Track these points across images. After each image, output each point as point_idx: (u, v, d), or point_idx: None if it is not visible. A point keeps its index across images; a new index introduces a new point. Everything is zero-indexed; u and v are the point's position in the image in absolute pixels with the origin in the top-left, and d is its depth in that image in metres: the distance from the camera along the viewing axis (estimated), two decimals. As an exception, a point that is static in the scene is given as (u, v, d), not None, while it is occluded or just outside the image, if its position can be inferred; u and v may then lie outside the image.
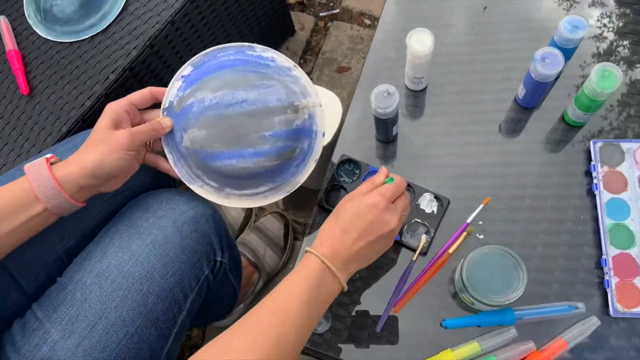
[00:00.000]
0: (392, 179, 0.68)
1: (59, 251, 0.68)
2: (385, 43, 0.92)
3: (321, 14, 1.53)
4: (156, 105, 0.71)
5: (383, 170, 0.69)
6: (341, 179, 0.82)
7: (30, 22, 1.01)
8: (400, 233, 0.78)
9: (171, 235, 0.66)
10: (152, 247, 0.65)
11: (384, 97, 0.74)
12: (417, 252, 0.75)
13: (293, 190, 0.72)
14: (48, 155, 0.60)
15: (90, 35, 0.99)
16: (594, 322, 0.70)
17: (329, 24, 1.51)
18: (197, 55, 0.71)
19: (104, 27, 0.99)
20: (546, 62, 0.72)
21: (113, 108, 0.63)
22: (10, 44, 0.98)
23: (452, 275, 0.77)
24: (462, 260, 0.70)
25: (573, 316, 0.72)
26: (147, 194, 0.71)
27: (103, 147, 0.60)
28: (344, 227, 0.62)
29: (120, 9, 1.00)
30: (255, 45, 0.72)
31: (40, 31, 1.00)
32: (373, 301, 0.76)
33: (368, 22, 1.50)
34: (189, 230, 0.68)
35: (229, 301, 0.93)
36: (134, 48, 0.97)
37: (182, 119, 0.66)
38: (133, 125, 0.65)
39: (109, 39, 0.99)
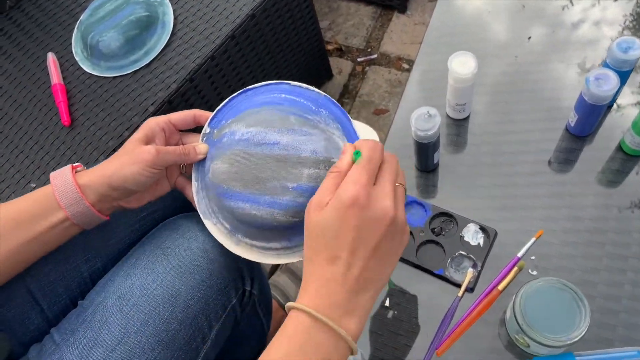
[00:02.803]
0: (357, 153, 0.48)
1: (84, 273, 0.66)
2: (425, 73, 0.90)
3: (359, 59, 1.54)
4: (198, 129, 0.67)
5: (346, 148, 0.49)
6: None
7: (77, 58, 1.05)
8: (444, 267, 0.72)
9: (199, 259, 0.63)
10: (179, 269, 0.61)
11: (424, 119, 0.70)
12: (463, 287, 0.69)
13: None
14: (75, 164, 0.59)
15: (133, 70, 1.01)
16: (669, 371, 0.61)
17: (367, 68, 1.52)
18: (254, 85, 0.66)
19: (147, 62, 1.01)
20: (600, 83, 0.67)
21: (150, 123, 0.61)
22: (55, 77, 1.02)
23: (502, 315, 0.69)
24: (515, 295, 0.63)
25: (645, 365, 0.63)
26: (179, 216, 0.69)
27: (125, 158, 0.57)
28: (328, 255, 0.45)
29: (164, 45, 1.02)
30: (313, 88, 0.64)
31: (86, 67, 1.04)
32: (414, 344, 0.69)
33: (406, 66, 1.49)
34: (217, 254, 0.64)
35: (258, 341, 0.87)
36: (174, 82, 0.99)
37: (214, 149, 0.62)
38: (167, 145, 0.63)
39: (151, 74, 1.01)
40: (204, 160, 0.62)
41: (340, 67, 1.53)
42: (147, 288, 0.60)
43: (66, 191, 0.56)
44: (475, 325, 0.69)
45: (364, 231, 0.45)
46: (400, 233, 0.47)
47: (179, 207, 0.72)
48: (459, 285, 0.71)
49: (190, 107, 1.04)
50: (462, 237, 0.74)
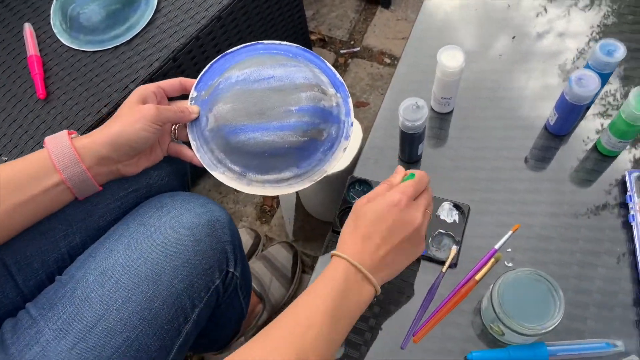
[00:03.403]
0: (412, 175, 0.62)
1: (62, 249, 0.64)
2: (411, 67, 0.91)
3: (342, 52, 1.54)
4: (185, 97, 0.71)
5: (400, 170, 0.64)
6: (353, 201, 0.79)
7: (55, 30, 1.01)
8: (426, 247, 0.74)
9: (184, 237, 0.62)
10: (163, 247, 0.61)
11: (412, 109, 0.71)
12: (447, 263, 0.71)
13: (319, 178, 0.68)
14: (70, 131, 0.59)
15: (113, 45, 0.98)
16: (634, 361, 0.64)
17: (349, 60, 1.52)
18: (231, 49, 0.72)
19: (129, 38, 0.99)
20: (582, 83, 0.70)
21: (141, 88, 0.63)
22: (32, 49, 0.98)
23: (477, 305, 0.71)
24: (492, 285, 0.65)
25: (611, 355, 0.66)
26: (163, 194, 0.68)
27: (127, 118, 0.59)
28: (364, 233, 0.57)
29: (147, 22, 1.00)
30: (287, 42, 0.73)
31: (65, 39, 1.00)
32: (393, 330, 0.71)
33: (388, 60, 1.50)
34: (203, 234, 0.64)
35: (235, 324, 0.87)
36: (157, 60, 0.97)
37: (208, 103, 0.66)
38: None
39: (132, 50, 0.98)
40: (198, 119, 0.67)
41: (323, 57, 1.53)
42: (130, 265, 0.59)
43: (62, 152, 0.56)
44: (451, 313, 0.71)
45: (396, 227, 0.57)
46: (419, 241, 0.60)
47: (162, 185, 0.71)
48: (441, 263, 0.73)
49: (172, 87, 1.02)
50: (438, 217, 0.76)
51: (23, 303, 0.61)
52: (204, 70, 0.71)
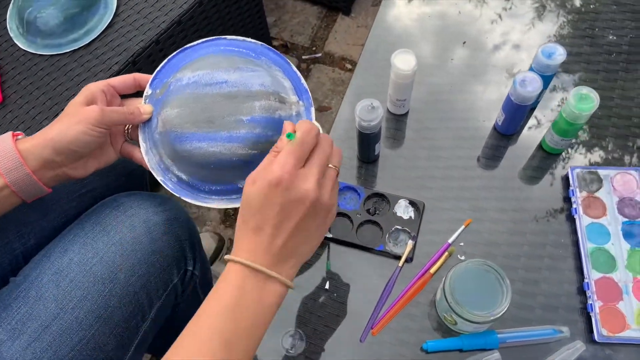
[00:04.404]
0: (290, 135, 0.50)
1: (16, 251, 0.63)
2: (368, 70, 0.94)
3: (304, 57, 1.56)
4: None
5: (285, 128, 0.52)
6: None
7: (11, 34, 1.00)
8: (383, 243, 0.76)
9: (141, 236, 0.62)
10: (120, 246, 0.61)
11: (368, 110, 0.74)
12: (404, 258, 0.74)
13: None
14: (16, 132, 0.57)
15: (72, 49, 0.98)
16: (579, 346, 0.68)
17: (311, 66, 1.55)
18: (192, 43, 0.67)
19: (87, 42, 0.99)
20: (525, 84, 0.74)
21: (89, 87, 0.59)
22: (-13, 52, 0.97)
23: (432, 297, 0.74)
24: (445, 276, 0.68)
25: (557, 341, 0.69)
26: (120, 194, 0.68)
27: (68, 119, 0.55)
28: (254, 225, 0.49)
29: (106, 26, 1.00)
30: (251, 39, 0.67)
31: (21, 44, 0.99)
32: (352, 325, 0.72)
33: (349, 66, 1.54)
34: (160, 232, 0.64)
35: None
36: (116, 63, 0.97)
37: (159, 105, 0.61)
38: None
39: (91, 54, 0.98)
40: (150, 120, 0.62)
41: (285, 63, 1.55)
42: (86, 264, 0.59)
43: (5, 156, 0.53)
44: (408, 306, 0.73)
45: (286, 209, 0.48)
46: (325, 212, 0.51)
47: (120, 185, 0.71)
48: (398, 258, 0.75)
49: (132, 91, 1.02)
50: (395, 214, 0.79)
51: (-24, 306, 0.60)
52: (161, 65, 0.65)
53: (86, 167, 0.60)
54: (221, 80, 0.59)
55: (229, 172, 0.60)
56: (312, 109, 0.66)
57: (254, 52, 0.66)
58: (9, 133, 0.56)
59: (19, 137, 0.57)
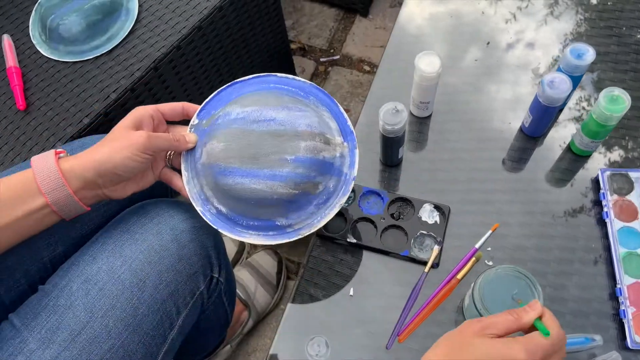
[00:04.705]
0: (547, 333, 0.49)
1: (45, 259, 0.64)
2: (390, 72, 0.93)
3: (322, 60, 1.56)
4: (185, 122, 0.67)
5: (535, 306, 0.51)
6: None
7: (34, 41, 1.01)
8: (408, 248, 0.75)
9: (168, 243, 0.62)
10: (147, 253, 0.61)
11: (392, 113, 0.73)
12: (430, 263, 0.73)
13: (307, 234, 0.63)
14: (59, 149, 0.57)
15: (94, 56, 0.99)
16: (614, 357, 0.66)
17: (329, 68, 1.54)
18: (242, 78, 0.67)
19: (109, 48, 0.99)
20: (554, 85, 0.72)
21: (138, 110, 0.59)
22: (11, 60, 0.98)
23: (459, 303, 0.73)
24: (474, 282, 0.66)
25: (589, 349, 0.67)
26: (146, 201, 0.68)
27: (115, 143, 0.56)
28: None
29: (127, 32, 1.00)
30: (300, 78, 0.68)
31: (44, 50, 1.00)
32: (378, 331, 0.72)
33: (367, 68, 1.53)
34: (187, 240, 0.64)
35: (220, 331, 0.87)
36: (138, 69, 0.97)
37: (206, 135, 0.62)
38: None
39: (113, 60, 0.98)
40: (193, 150, 0.63)
41: (303, 66, 1.55)
42: (114, 272, 0.59)
43: (48, 176, 0.53)
44: (434, 312, 0.72)
45: None
46: None
47: (145, 192, 0.71)
48: (424, 263, 0.74)
49: (154, 97, 1.02)
50: (419, 218, 0.78)
51: (5, 314, 0.61)
52: (210, 97, 0.66)
53: (125, 190, 0.61)
54: (269, 117, 0.60)
55: (268, 209, 0.61)
56: (357, 152, 0.66)
57: (302, 90, 0.66)
58: (52, 151, 0.56)
59: (61, 154, 0.57)
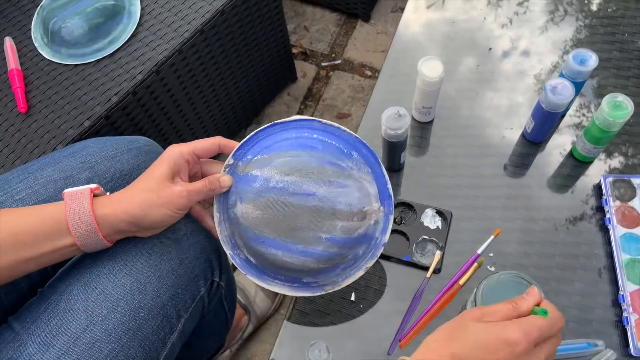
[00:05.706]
0: (545, 312, 0.50)
1: (45, 262, 0.63)
2: (392, 78, 0.93)
3: (323, 64, 1.56)
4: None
5: (533, 292, 0.52)
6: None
7: (36, 44, 1.01)
8: (410, 253, 0.75)
9: (168, 247, 0.62)
10: (148, 257, 0.60)
11: (395, 118, 0.73)
12: (431, 268, 0.72)
13: (332, 291, 0.65)
14: (93, 186, 0.56)
15: (96, 59, 0.99)
16: (609, 355, 0.66)
17: (331, 73, 1.54)
18: (283, 120, 0.64)
19: (111, 52, 0.99)
20: (557, 91, 0.72)
21: (175, 155, 0.58)
22: (12, 63, 0.98)
23: (462, 309, 0.72)
24: (476, 288, 0.66)
25: (592, 354, 0.67)
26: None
27: (154, 199, 0.55)
28: (456, 352, 0.47)
29: (129, 35, 1.01)
30: (345, 128, 0.64)
31: (46, 53, 1.00)
32: (379, 336, 0.71)
33: (369, 73, 1.53)
34: (188, 243, 0.64)
35: (220, 335, 0.86)
36: (140, 73, 0.97)
37: (242, 185, 0.61)
38: (190, 174, 0.62)
39: (115, 63, 0.98)
40: (227, 193, 0.62)
41: (305, 70, 1.55)
42: (115, 275, 0.58)
43: (80, 219, 0.53)
44: (436, 318, 0.72)
45: None
46: None
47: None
48: (426, 269, 0.74)
49: (155, 100, 1.02)
50: (421, 223, 0.77)
51: (5, 317, 0.60)
52: (247, 137, 0.63)
53: (153, 232, 0.61)
54: (309, 192, 0.59)
55: (297, 273, 0.62)
56: (391, 217, 0.65)
57: (347, 145, 0.63)
58: (87, 189, 0.55)
59: (97, 191, 0.56)
